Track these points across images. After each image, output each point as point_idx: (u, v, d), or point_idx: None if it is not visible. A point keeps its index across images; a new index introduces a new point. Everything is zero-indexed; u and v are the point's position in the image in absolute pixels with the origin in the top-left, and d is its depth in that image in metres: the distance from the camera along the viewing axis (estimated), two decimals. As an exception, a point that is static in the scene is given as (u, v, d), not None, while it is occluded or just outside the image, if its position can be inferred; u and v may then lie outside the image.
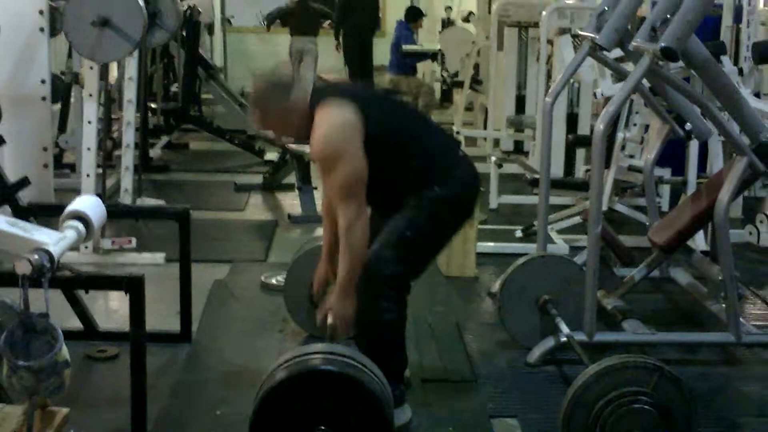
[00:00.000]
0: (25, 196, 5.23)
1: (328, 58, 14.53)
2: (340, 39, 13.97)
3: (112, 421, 3.80)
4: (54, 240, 2.59)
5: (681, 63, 4.41)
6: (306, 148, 7.95)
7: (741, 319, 4.71)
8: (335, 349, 3.56)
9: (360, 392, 3.38)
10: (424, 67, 14.38)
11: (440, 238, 4.20)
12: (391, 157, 3.99)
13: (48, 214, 5.21)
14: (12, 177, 5.26)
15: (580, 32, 4.94)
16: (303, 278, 4.68)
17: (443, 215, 4.08)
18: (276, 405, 3.39)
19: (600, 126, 4.24)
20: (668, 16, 4.11)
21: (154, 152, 10.16)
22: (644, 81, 4.70)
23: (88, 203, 2.82)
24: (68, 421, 2.87)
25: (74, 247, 2.89)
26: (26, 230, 2.61)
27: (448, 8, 15.88)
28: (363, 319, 4.00)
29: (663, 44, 4.00)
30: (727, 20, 7.30)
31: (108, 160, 7.29)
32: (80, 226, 2.74)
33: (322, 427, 3.32)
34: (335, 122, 3.88)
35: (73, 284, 3.98)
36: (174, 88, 11.66)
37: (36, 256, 2.46)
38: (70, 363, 2.55)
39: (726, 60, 6.24)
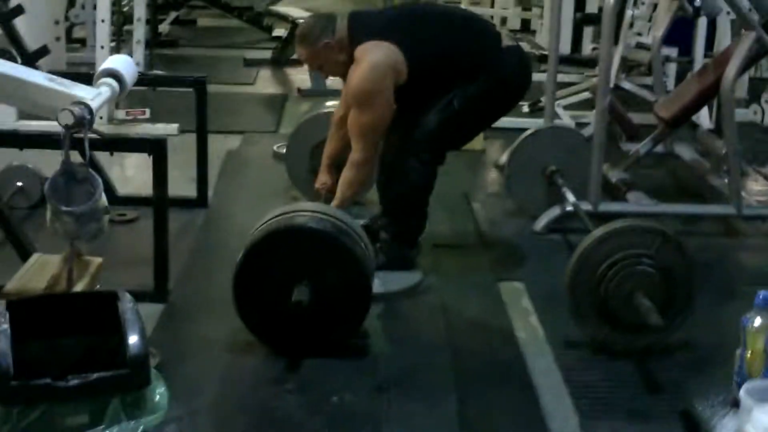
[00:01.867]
0: (41, 67, 5.31)
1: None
2: None
3: (136, 278, 3.91)
4: (92, 95, 2.70)
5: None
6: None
7: (742, 193, 4.83)
8: (323, 209, 3.70)
9: (341, 252, 3.50)
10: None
11: (482, 118, 4.37)
12: (439, 76, 4.10)
13: (65, 82, 5.33)
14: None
15: None
16: (304, 145, 4.81)
17: (491, 101, 4.24)
18: (260, 258, 3.52)
19: (609, 2, 4.31)
20: None
21: (163, 28, 10.16)
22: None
23: (121, 62, 2.92)
24: (101, 270, 3.03)
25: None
26: (65, 85, 2.71)
27: None
28: (393, 175, 4.16)
29: None
30: None
31: (119, 34, 7.34)
32: (114, 83, 2.84)
33: (304, 282, 3.44)
34: (377, 63, 3.98)
35: (99, 146, 4.10)
36: (183, -37, 11.62)
37: (77, 108, 2.58)
38: (109, 210, 2.69)
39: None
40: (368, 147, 4.03)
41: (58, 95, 2.65)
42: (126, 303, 2.57)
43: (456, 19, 4.41)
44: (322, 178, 4.36)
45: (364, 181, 4.14)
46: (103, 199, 2.65)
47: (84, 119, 2.56)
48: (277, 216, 3.61)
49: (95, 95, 2.70)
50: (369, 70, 3.97)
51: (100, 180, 2.67)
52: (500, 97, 4.27)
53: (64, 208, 2.58)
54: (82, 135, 2.60)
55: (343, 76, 4.15)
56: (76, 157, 2.71)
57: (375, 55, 3.99)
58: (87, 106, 2.60)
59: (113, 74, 2.84)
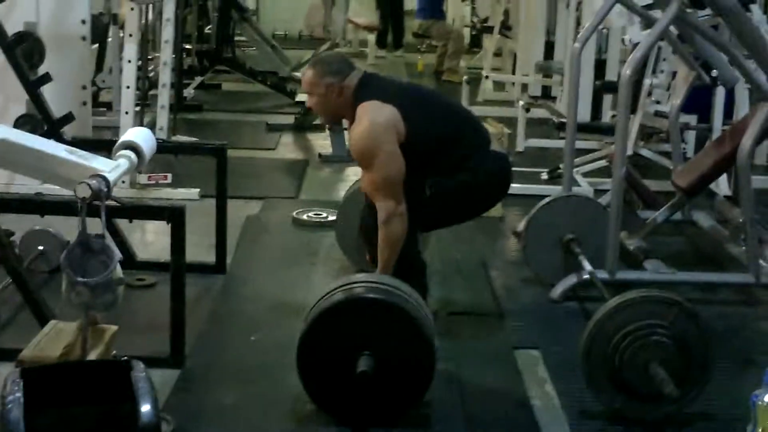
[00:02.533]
0: (66, 132, 5.40)
1: (361, 1, 14.60)
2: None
3: (153, 344, 3.95)
4: (110, 167, 2.75)
5: (708, 10, 4.48)
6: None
7: (760, 261, 4.82)
8: (382, 279, 3.73)
9: (403, 319, 3.51)
10: (453, 13, 14.41)
11: (455, 207, 4.30)
12: (425, 158, 4.11)
13: (89, 148, 5.39)
14: (53, 113, 5.42)
15: (610, -21, 5.04)
16: (354, 214, 4.83)
17: (465, 196, 4.22)
18: (323, 330, 3.54)
19: (627, 71, 4.35)
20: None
21: (188, 92, 10.28)
22: (672, 28, 4.79)
23: (140, 135, 2.97)
24: (117, 338, 3.06)
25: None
26: (84, 158, 2.76)
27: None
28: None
29: (691, -10, 4.10)
30: (758, -33, 7.32)
31: (144, 99, 7.45)
32: (132, 155, 2.89)
33: (366, 352, 3.45)
34: (377, 121, 4.01)
35: (119, 213, 4.16)
36: (208, 29, 11.78)
37: (94, 181, 2.62)
38: (124, 281, 2.72)
39: (755, 8, 6.28)
40: (388, 203, 4.00)
41: (76, 168, 2.71)
42: (139, 372, 2.59)
43: (459, 110, 4.53)
44: (368, 256, 4.35)
45: (398, 237, 4.04)
46: (119, 271, 2.69)
47: (101, 192, 2.61)
48: (336, 288, 3.64)
49: (113, 168, 2.75)
50: (369, 128, 4.00)
51: (115, 251, 2.71)
52: (474, 195, 4.26)
53: (79, 280, 2.62)
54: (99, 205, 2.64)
55: (331, 118, 4.39)
56: (96, 224, 2.76)
57: (375, 114, 4.02)
58: (104, 179, 2.65)
59: (132, 147, 2.90)
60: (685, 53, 5.43)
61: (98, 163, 2.75)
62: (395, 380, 3.49)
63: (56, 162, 2.76)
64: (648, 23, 5.56)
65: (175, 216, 3.86)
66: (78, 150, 2.81)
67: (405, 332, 3.51)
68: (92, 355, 2.89)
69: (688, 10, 4.25)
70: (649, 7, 5.39)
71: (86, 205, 2.61)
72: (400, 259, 4.08)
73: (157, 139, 3.18)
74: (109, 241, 2.73)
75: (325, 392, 3.55)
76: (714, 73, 5.42)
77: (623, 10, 6.26)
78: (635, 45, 6.38)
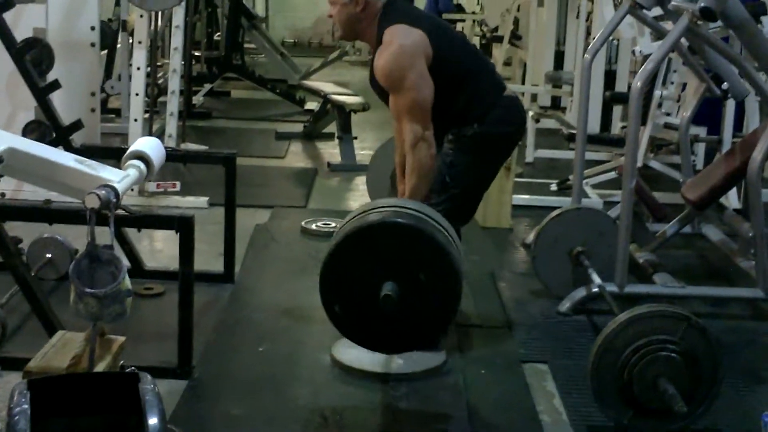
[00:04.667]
0: (75, 140, 5.40)
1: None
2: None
3: (159, 355, 3.95)
4: (119, 177, 2.75)
5: (720, 23, 4.47)
6: (346, 99, 8.13)
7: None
8: (402, 203, 3.72)
9: (431, 245, 3.47)
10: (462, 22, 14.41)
11: (480, 179, 4.33)
12: (445, 88, 4.08)
13: (98, 156, 5.40)
14: (62, 120, 5.43)
15: (621, -9, 5.03)
16: (385, 163, 4.85)
17: (481, 154, 4.21)
18: (348, 253, 3.53)
19: (637, 83, 4.33)
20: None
21: (197, 99, 10.31)
22: (683, 40, 4.78)
23: (150, 144, 2.97)
24: (124, 349, 3.05)
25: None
26: (93, 168, 2.76)
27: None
28: None
29: (702, 4, 4.08)
30: (769, -20, 7.29)
31: (153, 106, 7.45)
32: (142, 165, 2.89)
33: (391, 278, 3.43)
34: (406, 44, 4.00)
35: (127, 222, 4.15)
36: (217, 37, 11.81)
37: (103, 191, 2.62)
38: (132, 292, 2.71)
39: (767, 21, 6.27)
40: (415, 127, 3.99)
41: (85, 177, 2.70)
42: (146, 384, 2.58)
43: (477, 50, 4.60)
44: (401, 189, 4.35)
45: (426, 162, 4.02)
46: (127, 282, 2.68)
47: (110, 202, 2.60)
48: (364, 212, 3.64)
49: (122, 178, 2.75)
50: (399, 50, 3.99)
51: (123, 262, 2.70)
52: (495, 146, 4.28)
53: (87, 290, 2.61)
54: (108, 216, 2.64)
55: (350, 36, 4.28)
56: (104, 233, 2.75)
57: (404, 37, 4.01)
58: (113, 189, 2.65)
59: (141, 157, 2.89)
60: (695, 65, 5.41)
61: (107, 172, 2.75)
62: (420, 308, 3.47)
63: (65, 171, 2.75)
64: (658, 35, 5.56)
65: (183, 225, 3.85)
66: (86, 159, 2.80)
67: (432, 259, 3.47)
68: (100, 367, 2.88)
69: (699, 23, 4.23)
70: (659, 18, 5.39)
71: (95, 216, 2.60)
72: None
73: (166, 147, 3.18)
74: (118, 251, 2.72)
75: (348, 318, 3.54)
76: (725, 85, 5.39)
77: (633, 22, 6.27)
78: (645, 56, 6.38)
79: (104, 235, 2.74)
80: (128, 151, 2.91)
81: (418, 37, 4.03)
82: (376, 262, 3.47)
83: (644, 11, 4.96)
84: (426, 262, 3.48)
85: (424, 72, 4.00)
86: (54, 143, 5.22)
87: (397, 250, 3.50)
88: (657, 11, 5.08)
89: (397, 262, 3.47)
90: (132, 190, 6.36)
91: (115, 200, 2.63)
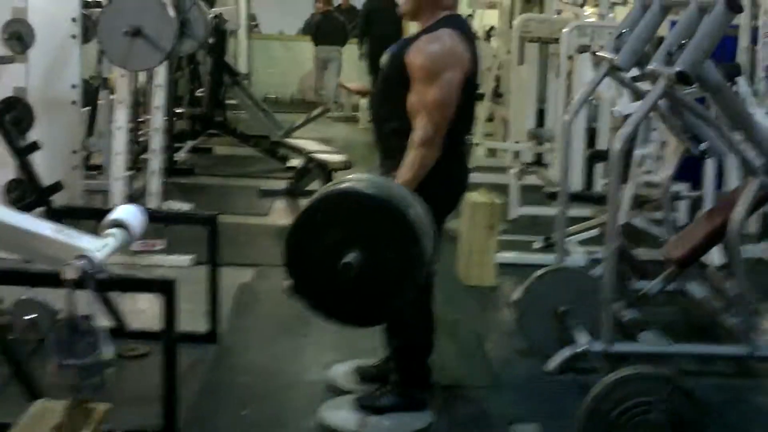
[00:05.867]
0: (56, 197, 5.37)
1: (353, 66, 14.69)
2: (364, 48, 14.07)
3: (143, 418, 3.91)
4: (97, 247, 2.72)
5: (695, 86, 4.51)
6: (329, 157, 8.13)
7: (754, 333, 4.79)
8: (375, 178, 3.68)
9: (393, 217, 3.42)
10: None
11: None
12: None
13: (79, 217, 5.39)
14: (43, 178, 5.40)
15: (599, 53, 5.07)
16: None
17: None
18: (309, 224, 3.49)
19: (616, 145, 4.35)
20: (684, 41, 4.23)
21: (179, 156, 10.29)
22: (661, 101, 4.80)
23: (129, 212, 2.94)
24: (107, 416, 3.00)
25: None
26: (71, 237, 2.73)
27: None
28: (390, 325, 4.13)
29: (678, 68, 4.11)
30: (743, 41, 7.36)
31: (135, 163, 7.43)
32: (121, 234, 2.86)
33: (355, 248, 3.36)
34: (458, 50, 3.96)
35: (109, 286, 4.12)
36: (199, 93, 11.82)
37: (82, 263, 2.60)
38: (113, 363, 2.68)
39: (741, 81, 6.32)
40: (433, 126, 3.89)
41: (63, 247, 2.68)
42: (128, 455, 2.55)
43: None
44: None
45: (426, 163, 3.92)
46: (107, 352, 2.65)
47: (88, 273, 2.58)
48: (329, 185, 3.63)
49: (101, 247, 2.72)
50: (450, 49, 3.93)
51: (102, 333, 2.67)
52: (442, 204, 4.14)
53: (64, 362, 2.58)
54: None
55: (412, 14, 4.14)
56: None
57: (458, 45, 3.96)
58: (92, 259, 2.63)
59: (120, 224, 2.87)
60: (675, 126, 5.43)
61: (86, 242, 2.72)
62: (379, 281, 3.41)
63: (41, 241, 2.72)
64: (637, 96, 5.59)
65: (166, 288, 3.82)
66: (64, 228, 2.77)
67: (395, 231, 3.41)
68: (80, 437, 2.84)
69: (676, 86, 4.26)
70: (637, 78, 5.42)
71: (72, 287, 2.57)
72: (416, 311, 4.03)
73: (147, 208, 3.16)
74: (100, 313, 2.69)
75: (311, 287, 3.49)
76: (703, 145, 5.41)
77: (612, 83, 6.30)
78: (625, 116, 6.41)
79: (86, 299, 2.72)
80: (107, 219, 2.88)
81: (467, 56, 3.99)
82: (340, 231, 3.40)
83: (622, 73, 5.00)
84: (391, 235, 3.41)
85: (458, 84, 3.94)
86: (34, 205, 5.19)
87: (361, 219, 3.44)
88: (635, 72, 5.10)
89: (361, 233, 3.40)
90: (114, 250, 6.40)
91: (93, 271, 2.60)
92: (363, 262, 3.34)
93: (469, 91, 4.08)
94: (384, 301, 3.51)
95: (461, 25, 4.10)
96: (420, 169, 3.90)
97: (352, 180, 3.62)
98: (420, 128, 3.90)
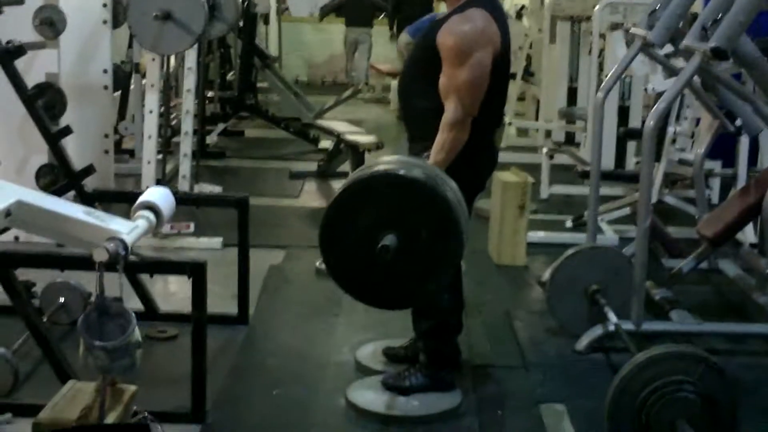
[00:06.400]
0: (88, 182, 5.40)
1: (383, 47, 14.66)
2: (395, 29, 14.04)
3: (173, 400, 3.93)
4: (127, 229, 2.74)
5: (731, 61, 4.47)
6: (360, 138, 8.13)
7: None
8: (408, 159, 3.67)
9: (431, 197, 3.42)
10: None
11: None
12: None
13: (110, 200, 5.43)
14: (75, 162, 5.43)
15: (633, 30, 5.03)
16: None
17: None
18: (348, 205, 3.50)
19: (650, 122, 4.32)
20: (719, 15, 4.18)
21: (211, 139, 10.31)
22: (695, 78, 4.76)
23: (159, 194, 2.96)
24: (136, 397, 3.03)
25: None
26: (102, 220, 2.75)
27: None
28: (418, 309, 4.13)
29: (713, 44, 4.07)
30: (781, 16, 7.28)
31: (166, 146, 7.45)
32: (151, 216, 2.88)
33: (392, 231, 3.38)
34: (489, 31, 3.93)
35: (140, 268, 4.15)
36: (230, 76, 11.85)
37: (112, 245, 2.61)
38: (142, 344, 2.70)
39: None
40: (463, 108, 3.87)
41: (94, 230, 2.70)
42: (157, 435, 2.57)
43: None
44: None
45: (457, 145, 3.90)
46: (136, 334, 2.66)
47: (119, 255, 2.60)
48: (360, 169, 3.63)
49: (131, 229, 2.74)
50: (481, 30, 3.90)
51: (132, 315, 2.69)
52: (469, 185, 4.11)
53: (95, 344, 2.60)
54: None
55: None
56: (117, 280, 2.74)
57: (488, 26, 3.92)
58: (122, 242, 2.64)
59: (150, 207, 2.88)
60: (708, 102, 5.39)
61: (116, 224, 2.74)
62: (416, 264, 3.43)
63: (73, 224, 2.74)
64: (671, 72, 5.54)
65: (196, 271, 3.84)
66: (95, 210, 2.79)
67: (435, 216, 3.43)
68: (110, 417, 2.86)
69: (711, 62, 4.21)
70: (671, 55, 5.38)
71: (103, 269, 2.59)
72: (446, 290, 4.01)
73: (178, 191, 3.17)
74: (130, 297, 2.71)
75: (346, 270, 3.51)
76: (738, 121, 5.37)
77: (646, 59, 6.25)
78: (659, 94, 6.37)
79: (116, 283, 2.73)
80: (138, 202, 2.90)
81: (497, 34, 3.95)
82: (377, 213, 3.42)
83: (656, 50, 4.95)
84: (429, 218, 3.42)
85: (489, 64, 3.91)
86: (66, 189, 5.23)
87: (398, 202, 3.45)
88: (668, 48, 5.06)
89: (399, 215, 3.41)
90: (145, 232, 6.43)
91: (123, 253, 2.62)
92: (400, 245, 3.34)
93: (500, 71, 4.05)
94: (421, 284, 3.53)
95: (492, 4, 4.06)
96: (451, 151, 3.89)
97: (387, 162, 3.61)
98: (450, 110, 3.88)
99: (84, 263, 3.57)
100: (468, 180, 3.93)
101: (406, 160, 3.65)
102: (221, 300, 5.06)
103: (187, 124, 7.29)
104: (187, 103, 7.37)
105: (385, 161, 3.66)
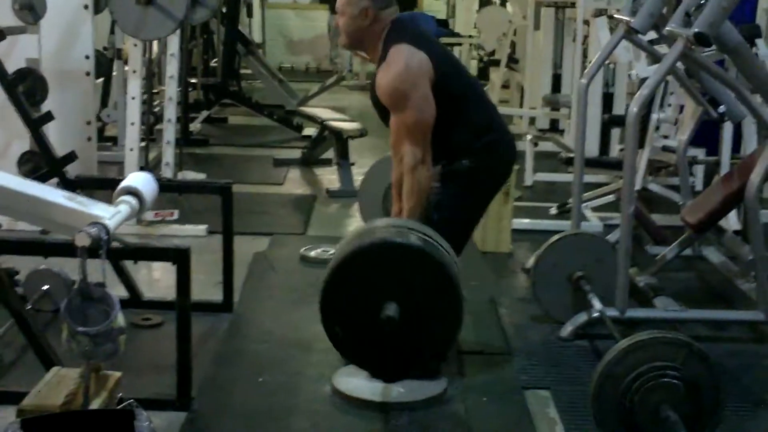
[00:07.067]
0: (70, 169, 5.37)
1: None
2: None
3: (158, 386, 3.92)
4: (109, 214, 2.73)
5: (714, 47, 4.47)
6: (343, 125, 8.13)
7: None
8: (395, 222, 3.74)
9: (431, 265, 3.46)
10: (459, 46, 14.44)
11: (468, 217, 4.34)
12: (441, 116, 4.07)
13: (93, 187, 5.39)
14: (58, 149, 5.40)
15: (616, 16, 5.03)
16: (377, 187, 4.85)
17: (470, 192, 4.22)
18: (347, 274, 3.52)
19: (633, 109, 4.33)
20: (702, 1, 4.19)
21: (194, 126, 10.29)
22: (678, 64, 4.77)
23: (141, 179, 2.95)
24: (121, 383, 3.02)
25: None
26: (83, 205, 2.74)
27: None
28: None
29: (696, 30, 4.07)
30: (763, 2, 7.30)
31: (149, 133, 7.42)
32: (133, 201, 2.87)
33: (392, 298, 3.41)
34: (412, 65, 4.00)
35: (123, 255, 4.12)
36: (213, 63, 11.81)
37: (94, 230, 2.60)
38: (125, 330, 2.69)
39: (761, 43, 6.27)
40: (415, 150, 3.98)
41: (75, 215, 2.69)
42: (142, 421, 2.56)
43: (476, 81, 4.67)
44: (395, 208, 4.33)
45: (424, 185, 4.02)
46: (120, 319, 2.65)
47: (101, 240, 2.59)
48: (360, 233, 3.65)
49: (113, 214, 2.73)
50: (405, 70, 3.98)
51: (116, 300, 2.68)
52: (485, 180, 4.30)
53: (79, 329, 2.59)
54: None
55: (353, 46, 4.26)
56: (100, 267, 2.73)
57: (410, 58, 4.01)
58: (104, 226, 2.63)
59: (133, 192, 2.87)
60: (692, 89, 5.40)
61: (98, 209, 2.73)
62: (420, 331, 3.46)
63: (54, 209, 2.73)
64: (654, 59, 5.55)
65: (180, 257, 3.82)
66: (77, 195, 2.78)
67: (435, 282, 3.47)
68: (95, 404, 2.86)
69: (694, 48, 4.22)
70: (654, 42, 5.38)
71: (86, 254, 2.58)
72: None
73: (161, 177, 3.16)
74: (113, 284, 2.70)
75: (349, 340, 3.54)
76: (721, 108, 5.38)
77: (629, 46, 6.26)
78: (642, 80, 6.37)
79: (99, 269, 2.72)
80: (119, 187, 2.89)
81: (423, 59, 4.03)
82: (378, 283, 3.44)
83: (639, 36, 4.95)
84: (429, 284, 3.44)
85: (427, 94, 4.01)
86: (48, 175, 5.19)
87: (400, 270, 3.48)
88: (652, 35, 5.07)
89: (399, 284, 3.43)
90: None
91: (106, 238, 2.61)
92: (402, 313, 3.37)
93: (451, 84, 4.14)
94: (426, 352, 3.64)
95: (407, 32, 4.14)
96: (421, 192, 4.01)
97: (377, 228, 3.62)
98: (408, 154, 4.00)
99: (67, 250, 3.56)
100: (489, 188, 4.33)
101: (392, 223, 3.73)
102: (206, 287, 5.05)
103: (170, 111, 7.27)
104: (170, 89, 7.35)
105: (373, 228, 3.70)
